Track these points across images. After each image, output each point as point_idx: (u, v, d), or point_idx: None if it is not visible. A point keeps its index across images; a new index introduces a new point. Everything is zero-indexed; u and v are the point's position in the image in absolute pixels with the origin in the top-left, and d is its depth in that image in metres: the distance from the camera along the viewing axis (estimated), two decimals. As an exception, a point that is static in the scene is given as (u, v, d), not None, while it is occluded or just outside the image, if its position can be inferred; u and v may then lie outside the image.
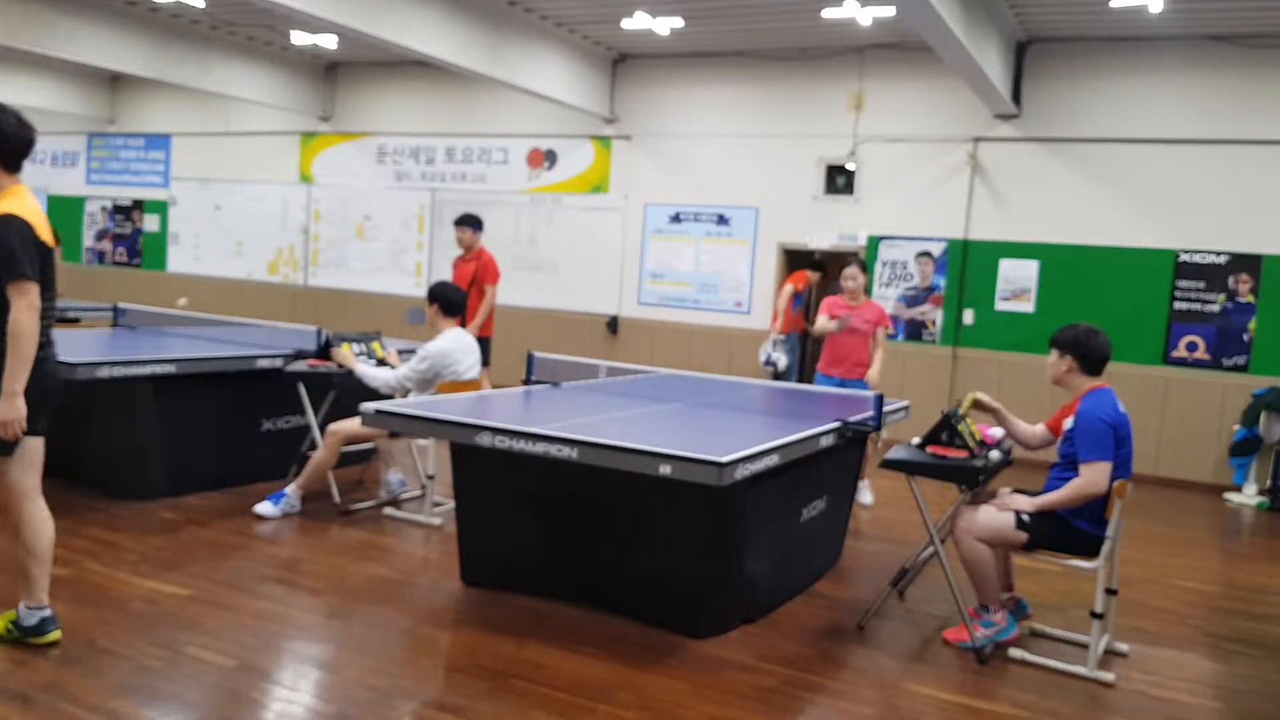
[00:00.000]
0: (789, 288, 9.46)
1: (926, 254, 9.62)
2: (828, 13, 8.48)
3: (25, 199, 3.48)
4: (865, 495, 6.89)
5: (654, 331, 10.84)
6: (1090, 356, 4.27)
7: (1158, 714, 3.83)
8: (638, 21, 9.19)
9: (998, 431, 4.59)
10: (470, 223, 8.02)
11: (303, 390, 6.05)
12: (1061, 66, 9.02)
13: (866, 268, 6.85)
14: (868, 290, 7.07)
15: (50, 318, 3.52)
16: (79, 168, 14.95)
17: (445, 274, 10.20)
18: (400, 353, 6.43)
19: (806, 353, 10.13)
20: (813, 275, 9.79)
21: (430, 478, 5.87)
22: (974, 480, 4.24)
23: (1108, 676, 4.07)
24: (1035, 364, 9.05)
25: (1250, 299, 8.53)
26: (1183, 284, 8.74)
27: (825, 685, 3.90)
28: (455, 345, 5.84)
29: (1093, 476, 4.09)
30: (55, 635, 3.68)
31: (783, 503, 4.67)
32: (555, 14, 9.42)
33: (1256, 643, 4.74)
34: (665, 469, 3.61)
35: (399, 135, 12.31)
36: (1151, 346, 8.81)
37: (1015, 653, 4.27)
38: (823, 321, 6.85)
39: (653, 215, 10.89)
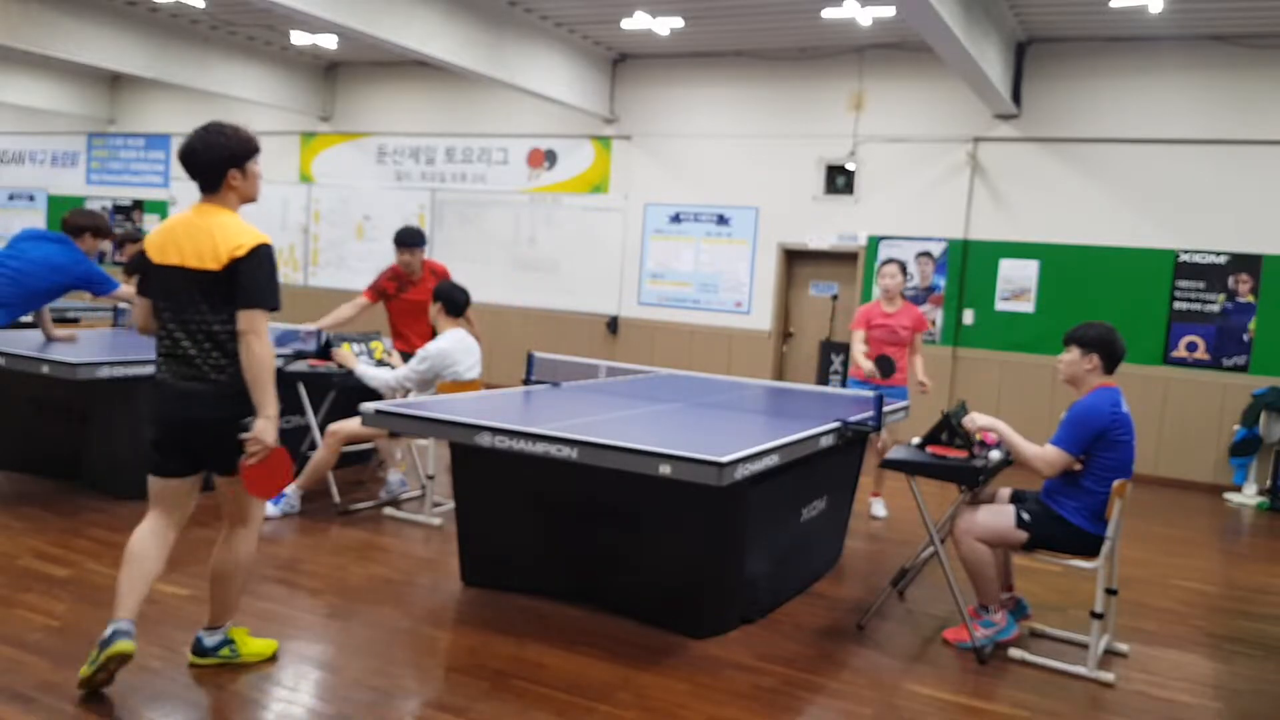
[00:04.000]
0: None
1: (926, 254, 9.62)
2: (828, 13, 8.48)
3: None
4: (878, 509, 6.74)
5: (654, 331, 10.84)
6: (1115, 355, 4.26)
7: (1158, 714, 3.83)
8: (638, 21, 9.19)
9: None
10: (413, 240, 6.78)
11: (303, 390, 6.06)
12: (1061, 66, 9.02)
13: (905, 268, 6.47)
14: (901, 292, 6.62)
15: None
16: (79, 168, 14.93)
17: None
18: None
19: None
20: None
21: (430, 478, 5.87)
22: (974, 480, 4.24)
23: (1108, 676, 4.07)
24: (1035, 364, 9.10)
25: (1250, 299, 8.53)
26: (1183, 284, 8.74)
27: (825, 685, 3.90)
28: (455, 345, 5.84)
29: (1046, 455, 4.18)
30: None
31: (783, 503, 4.67)
32: (555, 14, 9.42)
33: (1256, 643, 4.74)
34: (665, 469, 3.61)
35: (399, 135, 12.31)
36: (1151, 346, 8.81)
37: (1015, 653, 4.27)
38: (858, 347, 6.51)
39: (653, 215, 10.89)
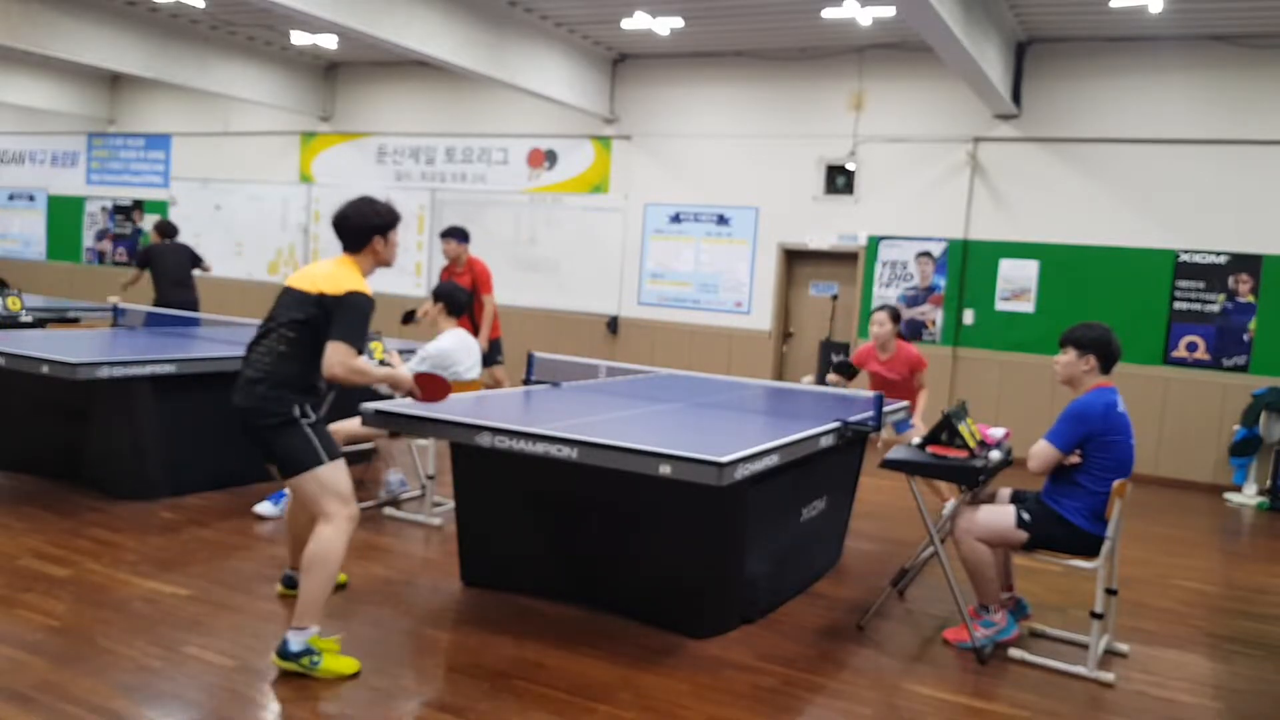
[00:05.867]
0: None
1: (926, 254, 9.62)
2: (828, 13, 8.48)
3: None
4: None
5: (654, 331, 10.84)
6: (1111, 356, 4.27)
7: (1158, 714, 3.83)
8: (638, 21, 9.19)
9: (998, 431, 4.59)
10: (456, 234, 8.05)
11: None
12: (1061, 66, 9.02)
13: (898, 316, 6.48)
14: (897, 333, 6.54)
15: None
16: (79, 168, 14.94)
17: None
18: (400, 353, 6.42)
19: None
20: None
21: (430, 478, 5.87)
22: (974, 480, 4.24)
23: (1108, 676, 4.07)
24: (1035, 364, 9.10)
25: (1250, 299, 8.53)
26: (1183, 284, 8.74)
27: (825, 685, 3.90)
28: (456, 345, 5.84)
29: (1035, 448, 4.22)
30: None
31: (783, 503, 4.67)
32: (555, 14, 9.42)
33: (1256, 643, 4.74)
34: (665, 469, 3.61)
35: (399, 135, 12.31)
36: (1151, 346, 8.81)
37: (1015, 653, 4.27)
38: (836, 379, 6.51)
39: (653, 215, 10.89)
